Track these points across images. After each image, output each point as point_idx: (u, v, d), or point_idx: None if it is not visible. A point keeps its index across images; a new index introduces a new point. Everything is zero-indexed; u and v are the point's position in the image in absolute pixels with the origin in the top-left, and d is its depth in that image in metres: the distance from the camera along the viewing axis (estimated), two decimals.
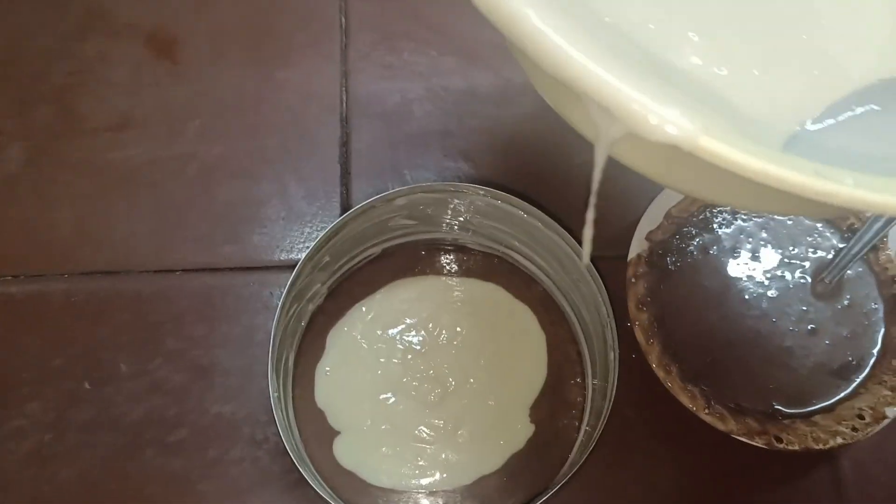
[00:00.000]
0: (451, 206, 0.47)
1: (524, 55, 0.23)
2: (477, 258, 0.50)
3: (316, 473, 0.44)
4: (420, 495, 0.45)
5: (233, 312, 0.50)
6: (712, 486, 0.47)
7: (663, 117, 0.21)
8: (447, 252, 0.50)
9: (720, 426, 0.44)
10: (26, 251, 0.51)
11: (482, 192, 0.45)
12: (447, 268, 0.50)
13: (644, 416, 0.48)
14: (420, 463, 0.45)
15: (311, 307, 0.48)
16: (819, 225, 0.49)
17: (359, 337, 0.48)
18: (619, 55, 0.23)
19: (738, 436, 0.44)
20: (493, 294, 0.49)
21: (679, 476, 0.47)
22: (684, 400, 0.45)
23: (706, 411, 0.45)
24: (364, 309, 0.49)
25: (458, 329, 0.48)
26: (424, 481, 0.45)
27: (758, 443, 0.44)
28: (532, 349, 0.48)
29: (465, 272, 0.50)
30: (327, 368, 0.47)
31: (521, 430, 0.46)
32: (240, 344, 0.49)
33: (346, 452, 0.45)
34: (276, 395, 0.42)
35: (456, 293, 0.49)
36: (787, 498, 0.47)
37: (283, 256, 0.51)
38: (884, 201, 0.22)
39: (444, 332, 0.48)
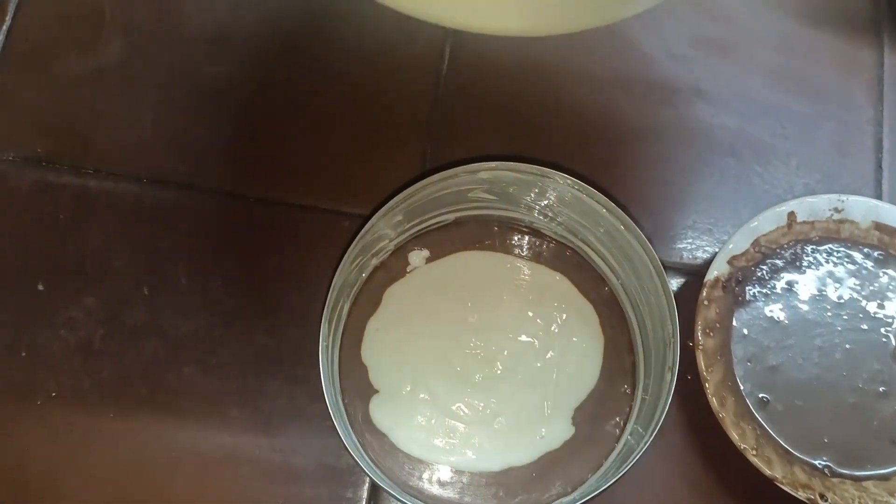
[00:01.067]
0: (536, 190, 0.45)
1: None
2: (549, 245, 0.49)
3: (349, 427, 0.43)
4: (445, 471, 0.44)
5: (296, 248, 0.49)
6: None
7: None
8: (520, 233, 0.49)
9: (765, 470, 0.43)
10: (107, 147, 0.51)
11: (570, 183, 0.44)
12: (517, 249, 0.48)
13: (686, 442, 0.46)
14: (452, 440, 0.45)
15: (375, 262, 0.47)
16: None
17: (415, 300, 0.47)
18: None
19: (782, 484, 0.43)
20: (558, 285, 0.48)
21: None
22: (734, 436, 0.43)
23: (754, 452, 0.43)
24: (426, 272, 0.48)
25: (517, 313, 0.47)
26: (453, 458, 0.44)
27: (801, 496, 0.42)
28: (588, 350, 0.47)
29: (534, 257, 0.48)
30: (378, 326, 0.47)
31: (560, 430, 0.45)
32: (298, 281, 0.49)
33: (381, 413, 0.45)
34: (325, 343, 0.41)
35: (521, 276, 0.48)
36: None
37: (355, 205, 0.50)
38: None
39: (501, 312, 0.47)
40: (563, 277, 0.48)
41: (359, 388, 0.46)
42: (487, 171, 0.44)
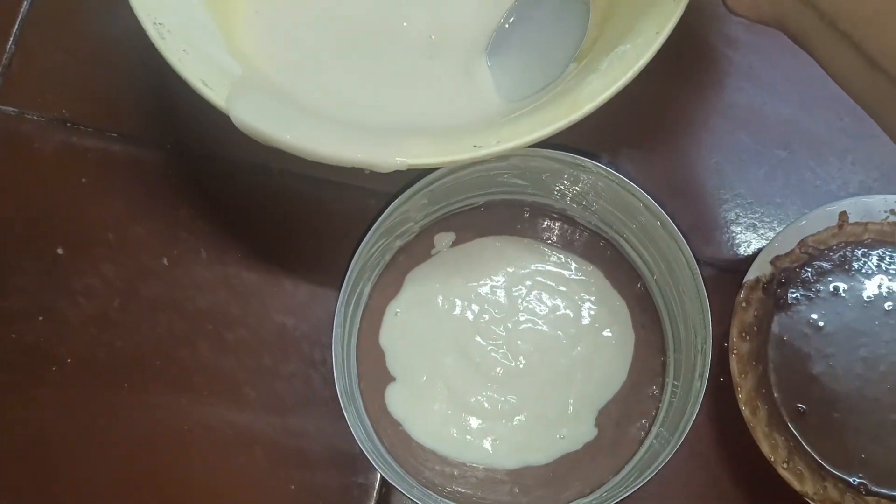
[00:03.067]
0: (569, 179, 0.43)
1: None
2: (583, 234, 0.46)
3: (359, 416, 0.42)
4: (459, 465, 0.43)
5: (321, 226, 0.48)
6: None
7: (398, 161, 0.37)
8: (553, 220, 0.46)
9: (795, 485, 0.41)
10: (132, 111, 0.50)
11: (604, 173, 0.41)
12: (548, 236, 0.46)
13: (714, 451, 0.44)
14: (467, 434, 0.43)
15: (398, 244, 0.45)
16: None
17: (437, 285, 0.45)
18: (352, 127, 0.40)
19: (812, 501, 0.40)
20: (591, 277, 0.46)
21: None
22: (764, 448, 0.41)
23: (784, 465, 0.41)
24: (450, 256, 0.46)
25: (545, 304, 0.45)
26: (467, 453, 0.43)
27: None
28: (617, 349, 0.44)
29: (566, 245, 0.46)
30: (398, 310, 0.45)
31: (582, 431, 0.43)
32: (321, 259, 0.47)
33: (396, 401, 0.44)
34: (339, 330, 0.40)
35: (552, 266, 0.46)
36: None
37: (383, 184, 0.47)
38: (521, 143, 0.37)
39: (528, 303, 0.45)
40: (596, 269, 0.46)
41: (375, 373, 0.44)
42: (519, 157, 0.42)
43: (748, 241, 0.48)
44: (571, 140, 0.46)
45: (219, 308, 0.47)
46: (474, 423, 0.43)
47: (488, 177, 0.43)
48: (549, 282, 0.46)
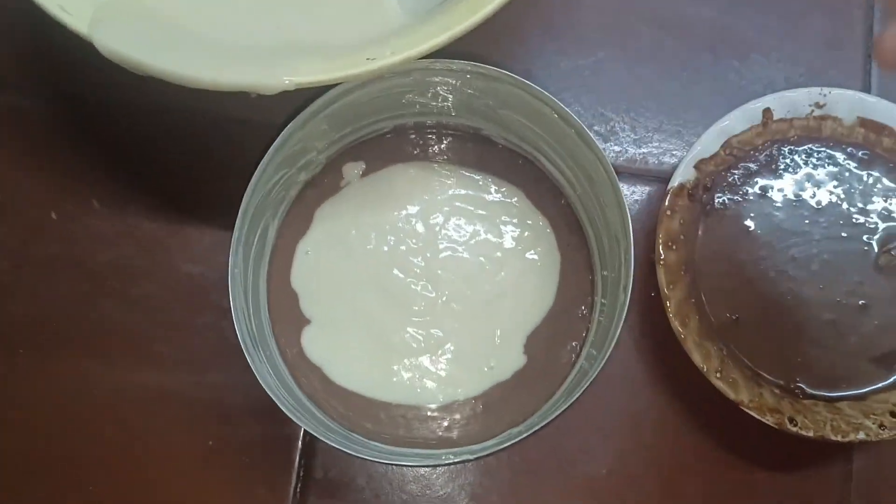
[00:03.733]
0: (475, 90, 0.40)
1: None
2: (500, 153, 0.44)
3: (279, 361, 0.40)
4: (384, 405, 0.41)
5: (220, 166, 0.45)
6: (707, 458, 0.42)
7: (285, 80, 0.34)
8: (466, 141, 0.44)
9: (730, 394, 0.39)
10: (11, 58, 0.46)
11: (511, 81, 0.38)
12: (464, 158, 0.44)
13: (650, 367, 0.43)
14: (392, 374, 0.41)
15: (304, 177, 0.42)
16: None
17: (349, 219, 0.43)
18: (233, 48, 0.37)
19: (748, 409, 0.39)
20: (511, 197, 0.43)
21: (672, 441, 0.42)
22: (696, 358, 0.40)
23: (717, 374, 0.40)
24: (361, 187, 0.43)
25: (465, 230, 0.43)
26: (392, 392, 0.41)
27: (768, 420, 0.39)
28: (544, 270, 0.42)
29: (483, 167, 0.44)
30: (308, 249, 0.42)
31: (511, 360, 0.41)
32: (221, 202, 0.44)
33: (314, 345, 0.41)
34: (237, 271, 0.37)
35: (469, 189, 0.43)
36: (785, 486, 0.42)
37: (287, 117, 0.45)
38: (416, 52, 0.35)
39: (447, 230, 0.43)
40: (516, 189, 0.43)
41: (290, 317, 0.42)
42: (419, 71, 0.39)
43: (674, 149, 0.46)
44: (479, 50, 0.43)
45: (121, 262, 0.44)
46: (398, 361, 0.41)
47: (392, 96, 0.41)
48: (467, 206, 0.43)
